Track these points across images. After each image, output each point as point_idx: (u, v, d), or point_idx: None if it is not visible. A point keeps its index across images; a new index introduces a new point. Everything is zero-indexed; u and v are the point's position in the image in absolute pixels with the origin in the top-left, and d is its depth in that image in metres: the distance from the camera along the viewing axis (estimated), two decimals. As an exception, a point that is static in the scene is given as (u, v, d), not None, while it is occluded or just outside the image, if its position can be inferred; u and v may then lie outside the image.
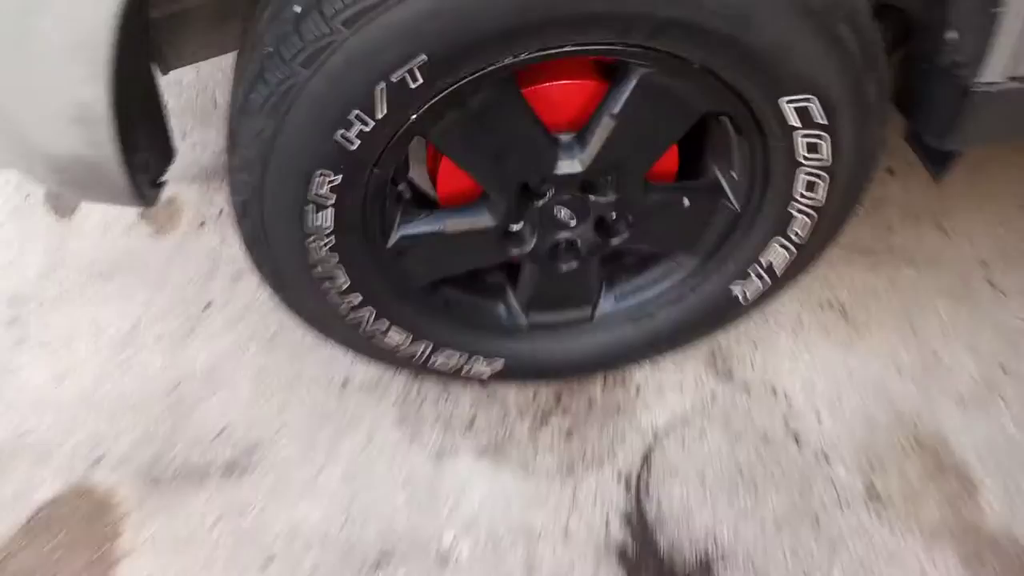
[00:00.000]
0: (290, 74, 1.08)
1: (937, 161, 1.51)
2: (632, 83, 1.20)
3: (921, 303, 1.85)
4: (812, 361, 1.75)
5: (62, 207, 2.19)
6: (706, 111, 1.26)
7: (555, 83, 1.26)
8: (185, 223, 2.10)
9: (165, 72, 1.52)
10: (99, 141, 1.16)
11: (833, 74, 1.17)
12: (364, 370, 1.78)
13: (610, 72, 1.25)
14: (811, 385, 1.71)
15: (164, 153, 1.41)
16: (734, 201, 1.40)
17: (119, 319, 1.90)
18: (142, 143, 1.31)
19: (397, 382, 1.76)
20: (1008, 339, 1.78)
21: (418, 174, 1.40)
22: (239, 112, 1.17)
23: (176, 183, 2.17)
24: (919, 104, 1.43)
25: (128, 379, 1.79)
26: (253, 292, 1.93)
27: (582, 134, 1.27)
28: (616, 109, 1.23)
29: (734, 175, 1.38)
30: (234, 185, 1.23)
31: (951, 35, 1.29)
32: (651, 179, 1.38)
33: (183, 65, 1.56)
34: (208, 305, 1.94)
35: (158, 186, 1.38)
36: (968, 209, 2.05)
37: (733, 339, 1.80)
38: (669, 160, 1.39)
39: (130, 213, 2.14)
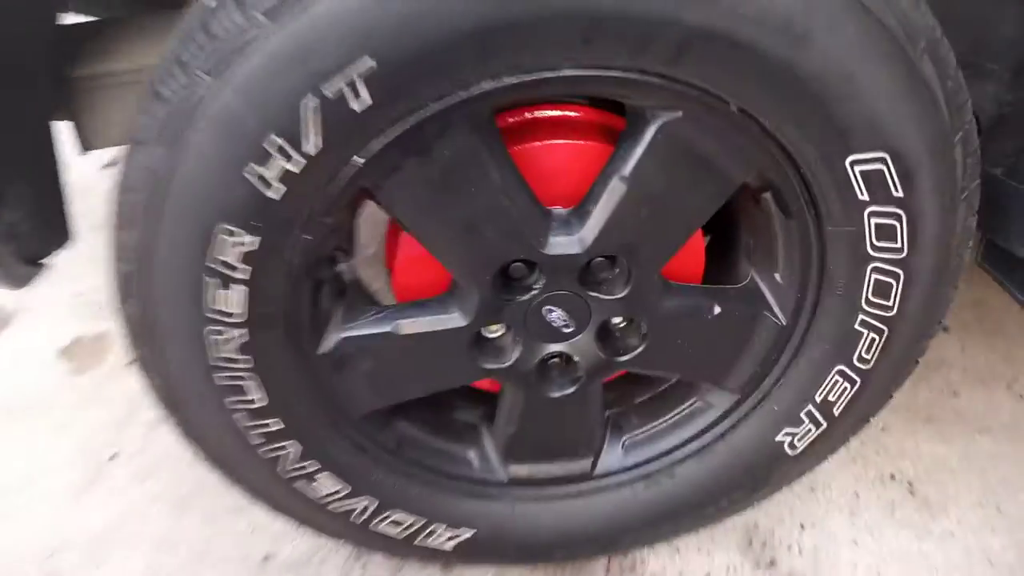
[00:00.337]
0: (192, 85, 0.80)
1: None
2: (649, 134, 0.92)
3: (1005, 477, 1.48)
4: (877, 548, 1.35)
5: (-28, 341, 1.88)
6: (744, 182, 0.96)
7: (550, 142, 0.98)
8: (111, 361, 1.78)
9: (87, 149, 1.25)
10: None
11: (915, 127, 0.89)
12: (292, 543, 1.37)
13: (618, 136, 0.97)
14: (865, 572, 1.30)
15: (52, 231, 1.11)
16: (779, 313, 1.08)
17: (15, 464, 1.54)
18: (13, 205, 1.01)
19: (335, 559, 1.35)
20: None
21: (369, 259, 1.09)
22: (126, 149, 0.87)
23: (112, 317, 1.86)
24: (1003, 208, 1.14)
25: (3, 538, 1.39)
26: (171, 443, 1.56)
27: (583, 205, 0.97)
28: (627, 171, 0.93)
29: (778, 278, 1.07)
30: (118, 252, 0.92)
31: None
32: (671, 278, 1.06)
33: (107, 147, 1.29)
34: (115, 456, 1.57)
35: (33, 265, 1.07)
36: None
37: (775, 517, 1.40)
38: (694, 254, 1.08)
39: (49, 350, 1.82)
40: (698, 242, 1.07)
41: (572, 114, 1.00)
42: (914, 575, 1.31)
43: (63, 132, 1.14)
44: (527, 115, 0.98)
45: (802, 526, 1.39)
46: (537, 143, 0.97)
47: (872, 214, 0.95)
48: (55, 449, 1.59)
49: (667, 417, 1.21)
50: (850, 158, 0.90)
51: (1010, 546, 1.35)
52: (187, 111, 0.81)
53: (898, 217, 0.95)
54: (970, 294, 1.92)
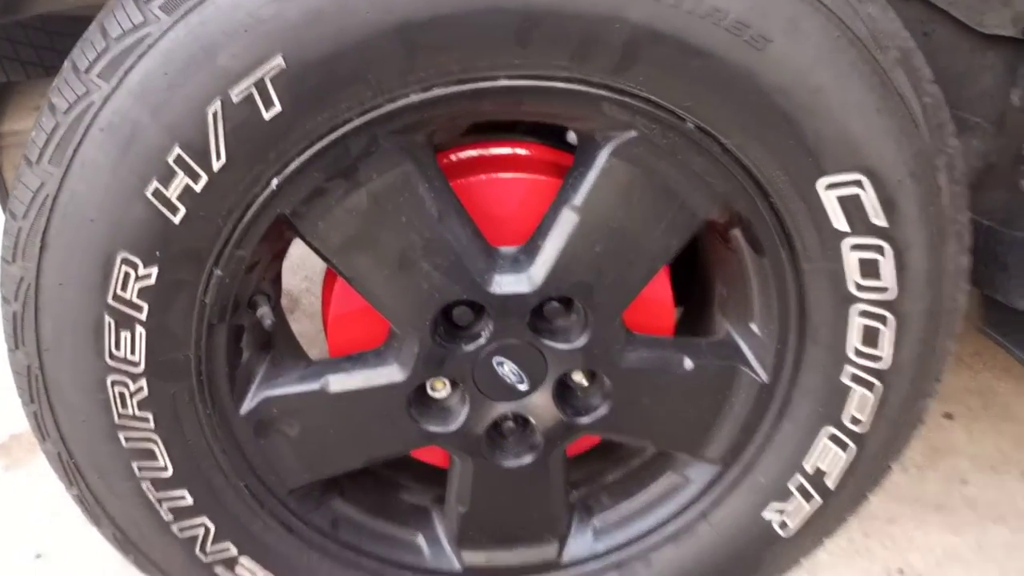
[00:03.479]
0: (84, 92, 0.72)
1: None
2: (602, 158, 0.83)
3: (1013, 567, 1.32)
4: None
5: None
6: (708, 216, 0.87)
7: (494, 175, 0.89)
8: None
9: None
10: None
11: (892, 145, 0.81)
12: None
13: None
14: None
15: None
16: (758, 368, 0.96)
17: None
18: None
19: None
20: None
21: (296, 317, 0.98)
22: (17, 171, 0.79)
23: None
24: (1001, 261, 1.05)
25: None
26: (98, 541, 1.41)
27: (532, 240, 0.87)
28: (579, 200, 0.84)
29: (754, 328, 0.96)
30: (4, 289, 0.82)
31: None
32: (635, 329, 0.95)
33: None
34: (39, 556, 1.41)
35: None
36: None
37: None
38: (662, 303, 0.97)
39: (-18, 442, 1.69)
40: (665, 290, 0.97)
41: (519, 151, 0.92)
42: None
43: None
44: (472, 152, 0.90)
45: (803, 628, 1.22)
46: (481, 176, 0.89)
47: (852, 247, 0.85)
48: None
49: (641, 496, 1.07)
50: (823, 181, 0.81)
51: (1042, 649, 1.19)
52: (79, 121, 0.73)
53: (882, 250, 0.85)
54: (975, 381, 1.80)
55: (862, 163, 0.81)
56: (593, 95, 0.77)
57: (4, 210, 1.14)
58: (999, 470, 1.56)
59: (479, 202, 0.89)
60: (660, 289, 0.96)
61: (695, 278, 1.05)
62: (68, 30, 1.24)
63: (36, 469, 1.62)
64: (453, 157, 0.91)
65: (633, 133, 0.81)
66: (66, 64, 0.75)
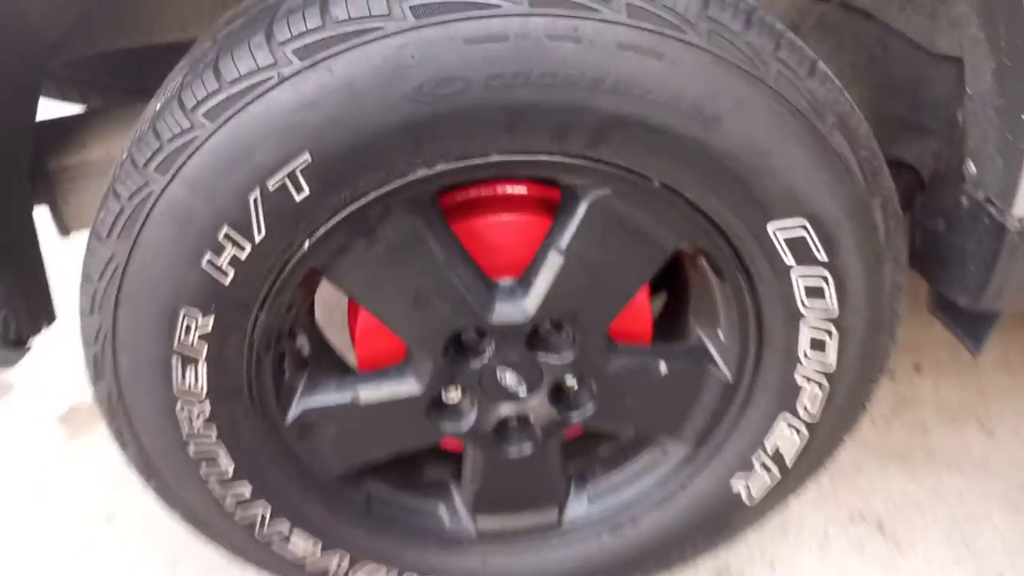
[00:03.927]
0: (144, 183, 0.87)
1: (973, 330, 1.24)
2: (582, 209, 0.97)
3: (974, 515, 1.51)
4: (838, 581, 1.38)
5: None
6: (677, 248, 1.02)
7: (490, 217, 1.04)
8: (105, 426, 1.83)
9: (65, 233, 1.32)
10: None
11: (829, 194, 0.94)
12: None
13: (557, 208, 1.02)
14: (845, 618, 1.33)
15: (35, 312, 1.18)
16: (724, 368, 1.12)
17: (16, 527, 1.60)
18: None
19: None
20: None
21: (333, 331, 1.15)
22: (90, 239, 0.94)
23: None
24: (940, 260, 1.18)
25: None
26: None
27: (525, 276, 1.03)
28: (564, 243, 0.99)
29: (721, 335, 1.11)
30: (85, 336, 0.98)
31: (971, 168, 1.08)
32: (619, 340, 1.11)
33: (84, 229, 1.36)
34: (110, 518, 1.63)
35: (17, 346, 1.13)
36: (1012, 407, 1.75)
37: (745, 558, 1.44)
38: (640, 316, 1.13)
39: (48, 416, 1.89)
40: (643, 304, 1.12)
41: (512, 190, 1.05)
42: (880, 613, 1.34)
43: (42, 218, 1.21)
44: (470, 194, 1.04)
45: (772, 565, 1.42)
46: (480, 219, 1.03)
47: (799, 276, 0.99)
48: (54, 512, 1.65)
49: (629, 468, 1.25)
50: (771, 226, 0.95)
51: (978, 582, 1.38)
52: (142, 206, 0.88)
53: (825, 278, 1.00)
54: (946, 333, 1.94)
55: (804, 210, 0.94)
56: (572, 164, 0.91)
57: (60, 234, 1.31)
58: (959, 420, 1.72)
59: (480, 240, 1.03)
60: (639, 304, 1.12)
61: (675, 288, 1.20)
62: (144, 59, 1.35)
63: (99, 436, 1.82)
64: (458, 199, 1.05)
65: (608, 190, 0.95)
66: (124, 156, 0.89)
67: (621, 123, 0.87)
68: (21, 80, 1.09)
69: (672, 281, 1.19)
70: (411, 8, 0.80)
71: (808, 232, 0.96)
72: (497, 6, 0.80)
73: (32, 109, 1.17)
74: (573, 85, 0.83)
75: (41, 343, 1.21)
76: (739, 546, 1.45)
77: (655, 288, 1.21)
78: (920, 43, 1.15)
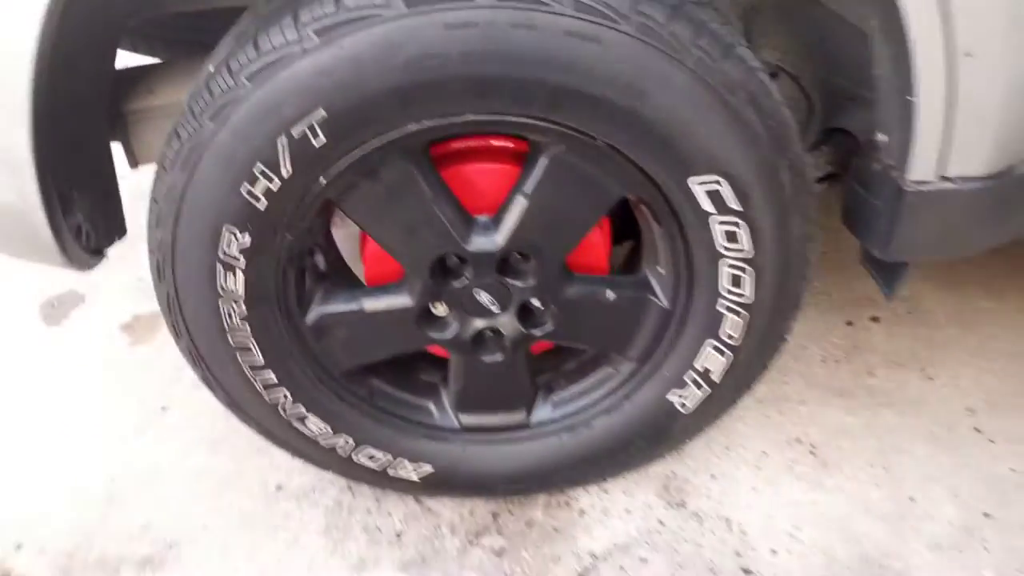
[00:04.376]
0: (199, 128, 1.13)
1: (888, 277, 1.46)
2: (543, 162, 1.22)
3: (899, 446, 1.72)
4: (773, 495, 1.62)
5: (53, 317, 2.28)
6: (620, 195, 1.26)
7: (472, 165, 1.28)
8: (162, 335, 2.14)
9: (134, 166, 1.60)
10: (24, 190, 1.21)
11: (741, 156, 1.17)
12: (300, 477, 1.71)
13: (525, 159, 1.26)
14: (768, 518, 1.58)
15: (110, 227, 1.46)
16: (661, 298, 1.37)
17: (82, 416, 1.92)
18: (81, 208, 1.36)
19: (332, 490, 1.68)
20: (993, 486, 1.63)
21: (350, 250, 1.41)
22: (157, 169, 1.21)
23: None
24: (861, 217, 1.40)
25: (73, 471, 1.77)
26: (208, 399, 1.92)
27: (498, 214, 1.28)
28: (529, 189, 1.24)
29: (660, 270, 1.36)
30: (151, 245, 1.26)
31: (881, 137, 1.29)
32: (578, 270, 1.36)
33: (151, 163, 1.65)
34: (164, 408, 1.93)
35: (95, 254, 1.42)
36: (957, 358, 1.95)
37: (691, 469, 1.68)
38: (595, 252, 1.37)
39: (113, 324, 2.21)
40: (598, 241, 1.36)
41: (489, 144, 1.29)
42: (799, 518, 1.58)
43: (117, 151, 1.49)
44: (455, 145, 1.28)
45: (713, 476, 1.67)
46: (463, 166, 1.28)
47: (719, 222, 1.23)
48: (118, 403, 1.96)
49: (586, 381, 1.50)
50: (692, 180, 1.18)
51: (888, 498, 1.61)
52: (198, 146, 1.15)
53: (739, 224, 1.23)
54: (905, 290, 2.15)
55: (720, 168, 1.17)
56: (532, 124, 1.15)
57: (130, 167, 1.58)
58: (904, 365, 1.93)
59: (462, 182, 1.28)
60: (596, 241, 1.36)
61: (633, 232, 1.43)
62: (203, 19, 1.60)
63: (157, 342, 2.13)
64: (446, 149, 1.29)
65: (563, 147, 1.19)
66: (185, 106, 1.16)
67: (569, 94, 1.10)
68: (102, 38, 1.36)
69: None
70: (404, 0, 1.04)
71: (723, 186, 1.19)
72: (470, 0, 1.04)
73: (111, 61, 1.43)
74: (530, 63, 1.07)
75: (108, 264, 1.49)
76: (687, 460, 1.70)
77: (628, 235, 1.45)
78: (856, 24, 1.35)
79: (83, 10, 1.14)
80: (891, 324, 2.06)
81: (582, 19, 1.05)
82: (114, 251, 1.47)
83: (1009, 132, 1.21)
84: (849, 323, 2.06)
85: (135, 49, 2.05)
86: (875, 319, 2.07)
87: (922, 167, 1.23)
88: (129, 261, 2.11)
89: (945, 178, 1.25)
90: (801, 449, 1.72)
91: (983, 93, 1.15)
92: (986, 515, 1.57)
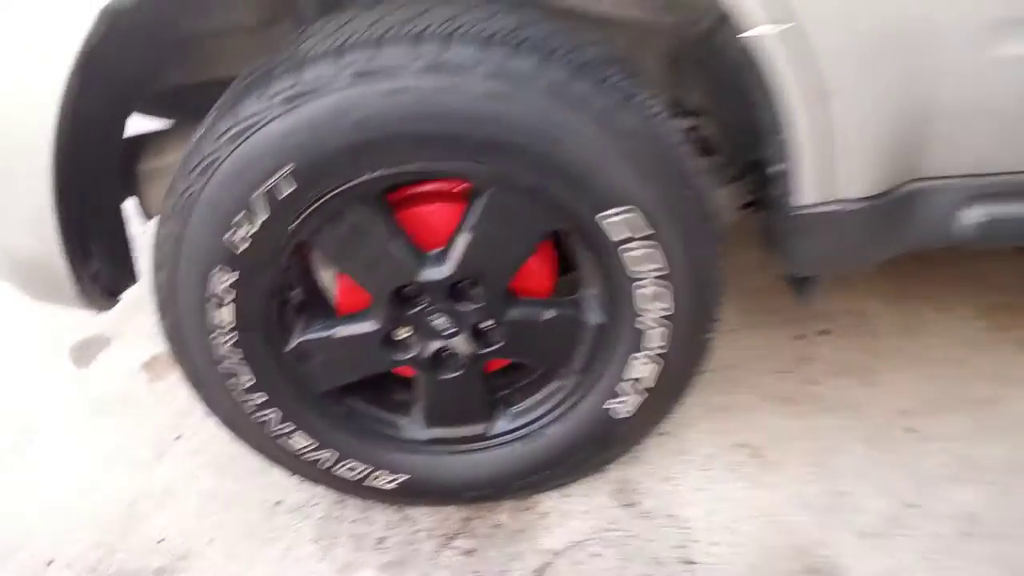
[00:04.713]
0: (191, 183, 1.37)
1: (800, 288, 1.65)
2: (482, 201, 1.43)
3: (836, 447, 1.89)
4: (716, 493, 1.79)
5: (82, 359, 2.52)
6: (548, 228, 1.47)
7: (423, 206, 1.50)
8: (176, 372, 2.37)
9: (148, 218, 1.84)
10: (47, 242, 1.45)
11: (647, 189, 1.37)
12: (296, 493, 1.91)
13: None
14: (711, 514, 1.74)
15: (124, 273, 1.70)
16: (594, 316, 1.56)
17: (106, 446, 2.16)
18: (98, 257, 1.59)
19: (324, 503, 1.88)
20: (920, 480, 1.79)
21: (329, 284, 1.61)
22: (160, 220, 1.45)
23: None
24: (772, 238, 1.60)
25: (97, 494, 1.99)
26: (216, 428, 2.13)
27: (446, 247, 1.49)
28: (471, 224, 1.45)
29: (592, 291, 1.55)
30: (154, 286, 1.49)
31: (778, 168, 1.49)
32: (523, 294, 1.56)
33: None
34: (178, 437, 2.15)
35: (112, 297, 1.65)
36: (898, 365, 2.11)
37: (644, 472, 1.86)
38: (539, 277, 1.58)
39: (135, 363, 2.45)
40: (540, 267, 1.57)
41: (440, 186, 1.51)
42: (739, 513, 1.74)
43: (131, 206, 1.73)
44: (409, 190, 1.50)
45: (666, 479, 1.84)
46: (417, 208, 1.50)
47: (634, 247, 1.43)
48: (137, 434, 2.18)
49: (539, 394, 1.70)
50: (608, 211, 1.39)
51: (822, 493, 1.77)
52: (191, 199, 1.37)
53: (654, 247, 1.42)
54: (853, 303, 2.33)
55: (629, 200, 1.37)
56: (467, 170, 1.37)
57: (144, 219, 1.83)
58: (848, 374, 2.10)
59: (417, 221, 1.50)
60: (535, 268, 1.57)
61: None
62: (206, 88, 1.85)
63: (172, 379, 2.35)
64: (400, 195, 1.51)
65: (497, 188, 1.40)
66: (181, 163, 1.39)
67: (491, 144, 1.32)
68: (114, 108, 1.61)
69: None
70: (349, 75, 1.27)
71: (634, 215, 1.39)
72: (403, 69, 1.27)
73: (121, 128, 1.68)
74: (455, 120, 1.29)
75: (130, 308, 1.72)
76: (641, 464, 1.87)
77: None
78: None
79: (98, 84, 1.39)
80: (839, 336, 2.23)
81: (496, 82, 1.27)
82: (135, 296, 1.70)
83: (882, 158, 1.41)
84: (799, 337, 2.23)
85: (150, 114, 2.31)
86: (825, 332, 2.25)
87: (810, 193, 1.44)
88: (149, 306, 2.34)
89: (830, 201, 1.45)
90: (745, 452, 1.89)
91: (851, 126, 1.36)
92: (911, 505, 1.73)
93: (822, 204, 1.45)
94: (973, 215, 1.51)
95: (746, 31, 1.26)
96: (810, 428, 1.95)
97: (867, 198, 1.45)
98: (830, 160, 1.40)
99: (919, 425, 1.93)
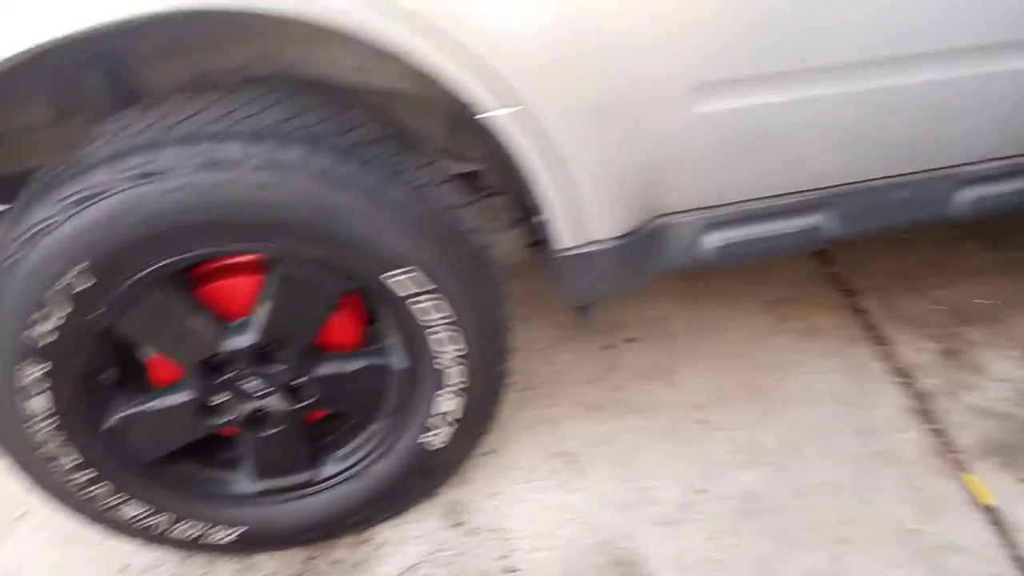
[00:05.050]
0: (-7, 281, 1.44)
1: (582, 313, 1.86)
2: (276, 273, 1.56)
3: (639, 446, 2.11)
4: (536, 503, 1.98)
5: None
6: (341, 291, 1.61)
7: (225, 280, 1.62)
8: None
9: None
10: None
11: (423, 249, 1.53)
12: (143, 556, 1.98)
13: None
14: (531, 523, 1.93)
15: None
16: (397, 362, 1.71)
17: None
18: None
19: (170, 562, 1.95)
20: (711, 467, 2.03)
21: (143, 359, 1.70)
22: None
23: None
24: (551, 274, 1.80)
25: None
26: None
27: (248, 317, 1.61)
28: (269, 294, 1.58)
29: (393, 339, 1.71)
30: (-32, 383, 1.55)
31: (543, 217, 1.68)
32: (330, 349, 1.70)
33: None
34: (23, 514, 2.17)
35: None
36: (693, 363, 2.36)
37: (471, 492, 2.03)
38: (345, 332, 1.72)
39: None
40: (344, 324, 1.71)
41: (240, 261, 1.63)
42: (555, 519, 1.94)
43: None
44: (209, 267, 1.61)
45: (492, 495, 2.01)
46: (219, 283, 1.61)
47: (423, 300, 1.59)
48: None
49: (361, 436, 1.84)
50: (393, 271, 1.54)
51: (625, 491, 1.99)
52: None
53: (439, 298, 1.59)
54: (657, 311, 2.58)
55: (409, 261, 1.53)
56: (255, 249, 1.50)
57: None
58: (650, 378, 2.33)
59: (221, 295, 1.61)
60: (339, 326, 1.71)
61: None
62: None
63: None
64: (201, 271, 1.62)
65: (285, 262, 1.54)
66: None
67: (273, 227, 1.45)
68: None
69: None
70: (130, 177, 1.37)
71: (416, 273, 1.55)
72: (178, 169, 1.38)
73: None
74: (233, 209, 1.41)
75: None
76: (470, 484, 2.04)
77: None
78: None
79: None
80: (643, 342, 2.46)
81: (265, 173, 1.41)
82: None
83: (625, 202, 1.63)
84: (608, 347, 2.45)
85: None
86: (631, 339, 2.48)
87: (567, 238, 1.64)
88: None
89: (585, 243, 1.66)
90: (561, 460, 2.10)
91: (590, 182, 1.58)
92: (701, 491, 1.98)
93: (579, 246, 1.66)
94: (712, 241, 1.76)
95: (480, 113, 1.44)
96: (616, 431, 2.17)
97: (618, 237, 1.66)
98: (579, 210, 1.60)
99: (710, 417, 2.19)
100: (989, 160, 1.82)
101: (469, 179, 1.89)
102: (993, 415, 2.19)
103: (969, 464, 2.04)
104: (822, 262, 2.75)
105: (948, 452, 2.07)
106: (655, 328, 2.52)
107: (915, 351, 2.39)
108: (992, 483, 1.99)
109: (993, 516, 1.91)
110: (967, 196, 1.90)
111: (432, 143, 1.77)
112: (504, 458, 2.12)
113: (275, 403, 1.70)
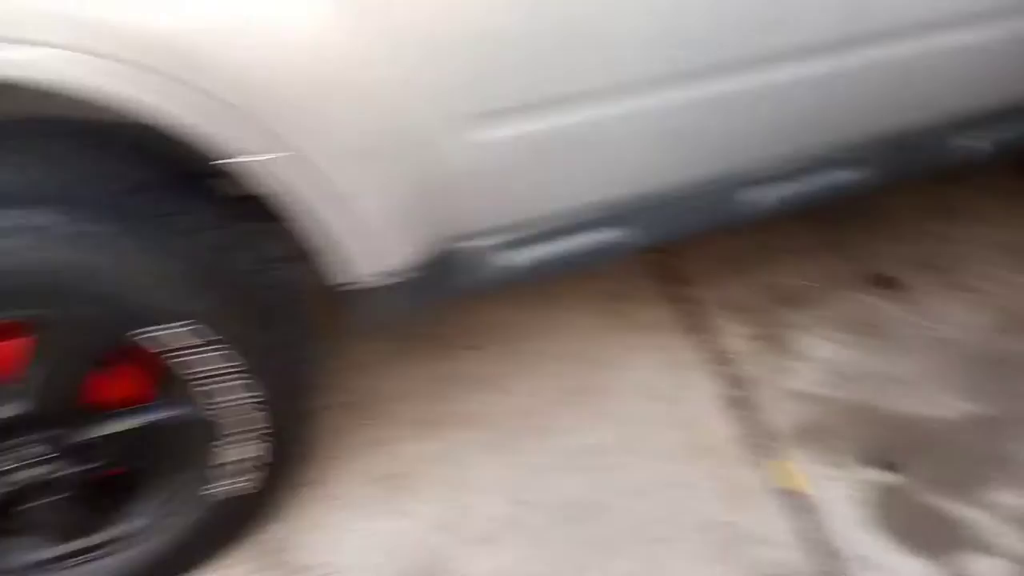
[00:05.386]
0: None
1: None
2: (42, 337, 1.45)
3: (468, 462, 2.09)
4: (366, 531, 1.93)
5: None
6: (111, 348, 1.51)
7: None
8: None
9: None
10: None
11: (203, 301, 1.46)
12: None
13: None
14: (361, 552, 1.87)
15: None
16: (188, 415, 1.62)
17: None
18: None
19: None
20: (537, 477, 2.05)
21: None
22: None
23: None
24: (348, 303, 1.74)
25: None
26: None
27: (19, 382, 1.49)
28: (37, 358, 1.47)
29: (181, 393, 1.62)
30: None
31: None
32: (110, 408, 1.60)
33: None
34: None
35: None
36: (531, 369, 2.35)
37: (293, 527, 1.93)
38: (128, 388, 1.62)
39: None
40: (131, 379, 1.62)
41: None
42: (385, 545, 1.90)
43: None
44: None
45: (314, 528, 1.95)
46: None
47: (208, 351, 1.51)
48: None
49: (164, 492, 1.74)
50: (172, 326, 1.44)
51: (450, 510, 1.97)
52: None
53: (228, 347, 1.51)
54: (496, 316, 2.54)
55: (188, 315, 1.45)
56: (11, 315, 1.39)
57: None
58: (486, 388, 2.31)
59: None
60: (127, 380, 1.61)
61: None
62: None
63: None
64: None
65: (43, 327, 1.43)
66: None
67: (22, 289, 1.35)
68: None
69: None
70: None
71: (198, 326, 1.47)
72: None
73: None
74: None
75: None
76: (293, 519, 1.97)
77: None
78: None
79: None
80: (484, 350, 2.40)
81: (13, 240, 1.30)
82: None
83: (417, 230, 1.60)
84: (447, 357, 2.40)
85: None
86: (472, 347, 2.43)
87: (360, 268, 1.59)
88: None
89: (380, 273, 1.62)
90: (389, 483, 2.05)
91: (375, 216, 1.53)
92: (524, 503, 1.99)
93: (373, 277, 1.62)
94: (522, 258, 1.75)
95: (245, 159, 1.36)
96: (446, 448, 2.14)
97: (412, 266, 1.63)
98: (368, 242, 1.56)
99: (541, 424, 2.20)
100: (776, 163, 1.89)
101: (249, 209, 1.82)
102: (809, 398, 2.29)
103: (783, 451, 2.13)
104: (655, 252, 2.78)
105: (763, 440, 2.15)
106: (496, 335, 2.50)
107: (736, 338, 2.48)
108: (808, 469, 2.08)
109: (804, 503, 2.00)
110: (768, 195, 1.97)
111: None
112: (329, 487, 2.06)
113: (60, 467, 1.59)
